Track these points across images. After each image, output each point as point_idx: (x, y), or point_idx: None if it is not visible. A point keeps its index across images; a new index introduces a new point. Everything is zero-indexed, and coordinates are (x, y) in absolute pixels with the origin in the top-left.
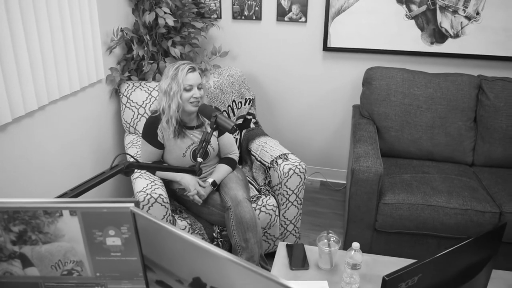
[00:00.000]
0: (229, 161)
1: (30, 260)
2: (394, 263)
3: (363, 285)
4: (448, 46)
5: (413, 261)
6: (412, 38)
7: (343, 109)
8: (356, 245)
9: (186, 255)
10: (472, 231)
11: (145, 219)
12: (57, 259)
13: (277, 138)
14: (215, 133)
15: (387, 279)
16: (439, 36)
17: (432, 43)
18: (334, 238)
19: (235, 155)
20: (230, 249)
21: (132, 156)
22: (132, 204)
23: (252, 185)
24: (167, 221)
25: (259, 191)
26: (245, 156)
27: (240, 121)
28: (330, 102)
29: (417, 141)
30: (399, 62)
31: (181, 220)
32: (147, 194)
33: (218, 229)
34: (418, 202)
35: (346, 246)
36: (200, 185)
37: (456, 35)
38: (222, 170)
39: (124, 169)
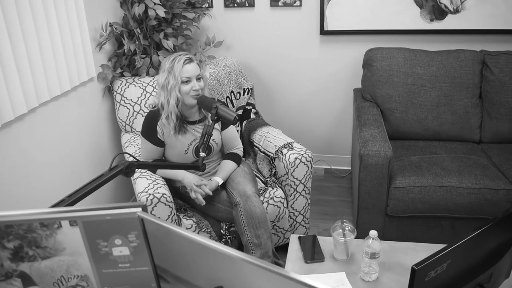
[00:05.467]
0: (233, 157)
1: (31, 279)
2: (413, 249)
3: (382, 273)
4: (448, 22)
5: (431, 245)
6: (411, 16)
7: (344, 94)
8: (373, 233)
9: (204, 262)
10: (486, 210)
11: (155, 224)
12: (59, 275)
13: (278, 127)
14: (218, 127)
15: (416, 268)
16: (439, 12)
17: (431, 20)
18: (349, 227)
19: (239, 150)
20: (239, 246)
21: (131, 155)
22: (139, 209)
23: (258, 177)
24: (172, 221)
25: (265, 183)
26: (248, 148)
27: (240, 112)
28: (330, 87)
29: (422, 121)
30: (399, 42)
31: (187, 219)
32: (150, 194)
33: (226, 225)
34: (430, 183)
35: (358, 234)
36: (204, 185)
37: (456, 11)
38: (227, 168)
39: (124, 169)
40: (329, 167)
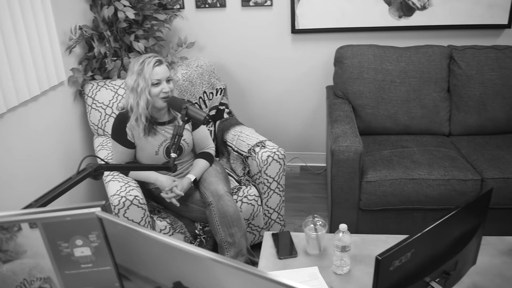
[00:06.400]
0: (206, 156)
1: None
2: (384, 241)
3: (354, 266)
4: (416, 19)
5: (402, 237)
6: (380, 13)
7: (317, 91)
8: (343, 226)
9: (162, 258)
10: (456, 200)
11: (114, 223)
12: (21, 278)
13: (253, 126)
14: (189, 127)
15: (380, 258)
16: (407, 9)
17: (400, 16)
18: (320, 222)
19: (211, 149)
20: (214, 245)
21: (100, 158)
22: (98, 208)
23: (232, 176)
24: (145, 223)
25: (239, 182)
26: (222, 148)
27: (213, 112)
28: (303, 85)
29: (393, 116)
30: (369, 39)
31: (161, 221)
32: (122, 197)
33: (200, 225)
34: (400, 176)
35: (332, 228)
36: (175, 186)
37: (423, 7)
38: (200, 166)
39: (93, 172)
40: (304, 164)
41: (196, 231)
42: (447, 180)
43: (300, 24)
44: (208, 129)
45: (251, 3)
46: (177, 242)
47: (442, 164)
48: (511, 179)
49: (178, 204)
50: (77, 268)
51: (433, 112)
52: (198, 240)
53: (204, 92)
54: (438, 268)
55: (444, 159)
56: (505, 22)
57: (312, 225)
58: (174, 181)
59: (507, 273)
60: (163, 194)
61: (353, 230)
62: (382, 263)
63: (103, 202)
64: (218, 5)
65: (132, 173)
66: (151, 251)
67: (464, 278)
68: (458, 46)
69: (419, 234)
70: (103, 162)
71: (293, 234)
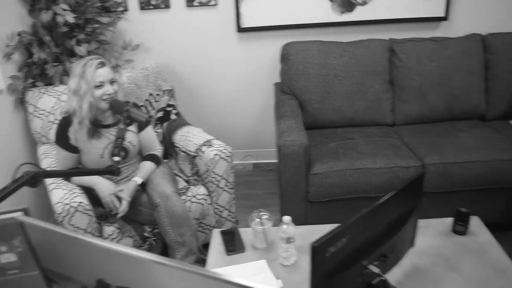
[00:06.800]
0: (152, 158)
1: None
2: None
3: (300, 256)
4: (358, 14)
5: None
6: (323, 10)
7: (265, 89)
8: (286, 218)
9: (84, 257)
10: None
11: (35, 227)
12: None
13: (203, 126)
14: (135, 129)
15: (315, 245)
16: (348, 4)
17: (342, 12)
18: (266, 216)
19: (158, 151)
20: (164, 247)
21: (35, 165)
22: (20, 213)
23: (180, 177)
24: (92, 229)
25: (187, 182)
26: (170, 149)
27: (160, 114)
28: (251, 83)
29: (338, 109)
30: (313, 35)
31: (108, 226)
32: (66, 204)
33: (149, 228)
34: (345, 167)
35: None
36: (120, 190)
37: (364, 2)
38: (146, 168)
39: (29, 180)
40: (256, 161)
41: (146, 234)
42: (390, 168)
43: (245, 23)
44: (156, 131)
45: (195, 3)
46: (94, 239)
47: (386, 153)
48: (449, 164)
49: (125, 212)
50: (4, 275)
51: (376, 103)
52: (148, 242)
53: (151, 94)
54: (375, 252)
55: (387, 148)
56: (442, 14)
57: (258, 220)
58: (117, 186)
59: (446, 252)
60: (118, 215)
61: (302, 222)
62: (317, 250)
63: (26, 206)
64: (163, 6)
65: (74, 178)
66: (73, 251)
67: (404, 260)
68: (398, 39)
69: (352, 220)
70: (40, 169)
71: (240, 229)
